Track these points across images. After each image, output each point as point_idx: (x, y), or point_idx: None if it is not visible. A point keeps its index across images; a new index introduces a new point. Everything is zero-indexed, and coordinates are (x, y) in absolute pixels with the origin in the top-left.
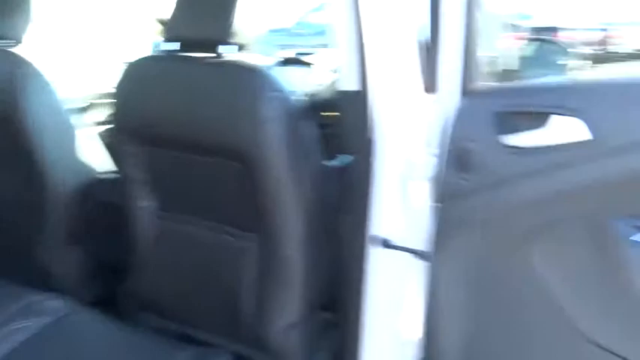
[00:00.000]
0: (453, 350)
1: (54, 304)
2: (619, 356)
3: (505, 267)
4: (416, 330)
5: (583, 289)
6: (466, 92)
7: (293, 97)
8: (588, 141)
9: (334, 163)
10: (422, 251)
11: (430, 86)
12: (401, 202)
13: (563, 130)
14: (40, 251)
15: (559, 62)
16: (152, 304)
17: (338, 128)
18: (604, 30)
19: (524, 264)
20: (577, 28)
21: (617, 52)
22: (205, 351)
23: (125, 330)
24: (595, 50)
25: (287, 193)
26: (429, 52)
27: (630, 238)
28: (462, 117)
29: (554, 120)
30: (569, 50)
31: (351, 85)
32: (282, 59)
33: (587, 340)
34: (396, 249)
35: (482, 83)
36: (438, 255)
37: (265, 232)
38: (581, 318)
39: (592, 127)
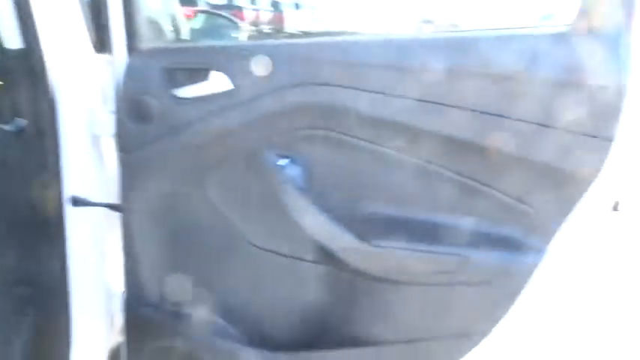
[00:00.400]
0: (152, 286)
1: None
2: (273, 252)
3: (187, 202)
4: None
5: (249, 207)
6: (135, 51)
7: None
8: (231, 90)
9: (8, 127)
10: (117, 204)
11: (100, 45)
12: (90, 159)
13: (218, 82)
14: None
15: (229, 35)
16: None
17: (9, 89)
18: (275, 11)
19: (203, 197)
20: (258, 8)
21: (280, 31)
22: None
23: None
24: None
25: None
26: (94, 12)
27: (277, 163)
28: (134, 73)
29: (213, 74)
30: (239, 26)
31: (15, 42)
32: None
33: (255, 246)
34: (93, 205)
35: (151, 43)
36: (127, 203)
37: None
38: (249, 230)
39: (232, 79)
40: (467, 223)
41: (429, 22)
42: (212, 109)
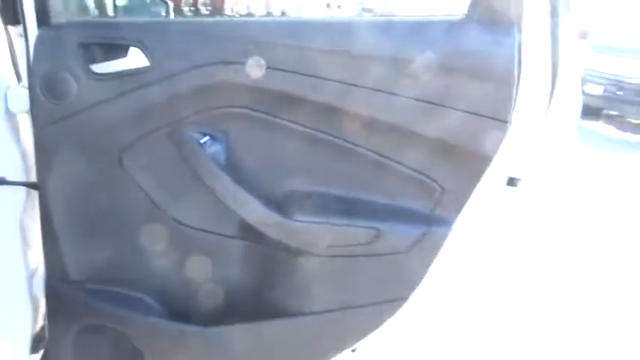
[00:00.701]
0: (73, 265)
1: None
2: (195, 228)
3: (106, 180)
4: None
5: (170, 183)
6: (47, 25)
7: None
8: (148, 67)
9: None
10: (34, 182)
11: (9, 17)
12: (5, 136)
13: (137, 58)
14: None
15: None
16: None
17: None
18: None
19: (122, 174)
20: None
21: (217, 12)
22: None
23: None
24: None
25: None
26: None
27: (197, 140)
28: (47, 47)
29: (133, 50)
30: (168, 4)
31: None
32: None
33: (176, 222)
34: (9, 184)
35: (64, 17)
36: (43, 181)
37: None
38: (170, 206)
39: (149, 56)
40: (380, 198)
41: (368, 10)
42: (130, 85)
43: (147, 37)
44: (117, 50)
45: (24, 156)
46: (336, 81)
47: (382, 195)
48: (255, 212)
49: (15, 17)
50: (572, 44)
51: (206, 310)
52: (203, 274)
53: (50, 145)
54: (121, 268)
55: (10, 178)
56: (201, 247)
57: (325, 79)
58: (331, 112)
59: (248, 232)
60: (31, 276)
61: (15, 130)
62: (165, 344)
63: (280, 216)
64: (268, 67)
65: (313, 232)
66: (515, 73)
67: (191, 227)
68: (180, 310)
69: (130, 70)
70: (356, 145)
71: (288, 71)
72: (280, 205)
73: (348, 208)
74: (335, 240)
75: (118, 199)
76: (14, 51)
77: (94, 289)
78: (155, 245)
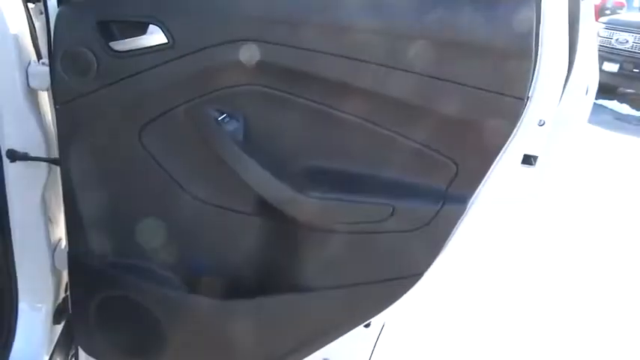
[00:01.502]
0: (95, 239)
1: None
2: (213, 204)
3: (124, 157)
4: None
5: (189, 160)
6: (67, 2)
7: None
8: (165, 44)
9: None
10: (55, 158)
11: None
12: (27, 112)
13: (155, 34)
14: None
15: None
16: None
17: None
18: None
19: (141, 150)
20: None
21: None
22: None
23: None
24: None
25: None
26: None
27: (216, 118)
28: (66, 24)
29: (151, 27)
30: None
31: None
32: None
33: (195, 198)
34: (31, 159)
35: None
36: (65, 157)
37: None
38: (189, 183)
39: (165, 32)
40: (395, 176)
41: None
42: (149, 62)
43: (164, 14)
44: (136, 27)
45: (45, 132)
46: (351, 58)
47: (397, 172)
48: (272, 189)
49: None
50: (591, 19)
51: (223, 284)
52: (220, 250)
53: (70, 122)
54: (140, 241)
55: (32, 154)
56: (218, 224)
57: (341, 56)
58: (346, 89)
59: (264, 208)
60: (53, 250)
61: (36, 106)
62: (184, 316)
63: (296, 192)
64: (284, 45)
65: (328, 209)
66: (533, 48)
67: (209, 204)
68: (200, 284)
69: (149, 47)
70: (371, 122)
71: (303, 49)
72: (296, 181)
73: (363, 185)
74: (349, 216)
75: (137, 176)
76: (34, 28)
77: (115, 262)
78: (173, 221)
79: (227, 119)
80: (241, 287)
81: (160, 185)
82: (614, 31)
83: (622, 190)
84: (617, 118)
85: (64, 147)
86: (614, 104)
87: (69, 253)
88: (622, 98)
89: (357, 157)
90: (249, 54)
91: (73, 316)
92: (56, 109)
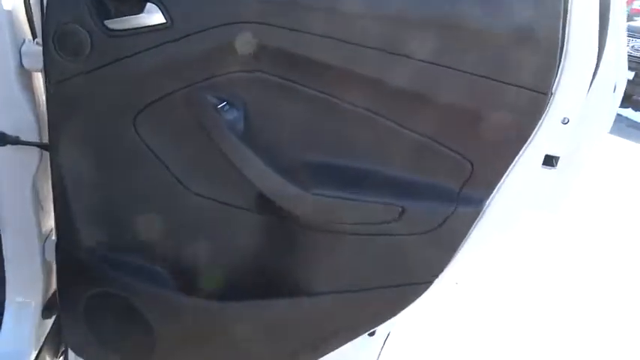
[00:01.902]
0: (84, 230)
1: None
2: (209, 198)
3: (118, 142)
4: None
5: (184, 150)
6: None
7: None
8: (163, 24)
9: None
10: (46, 143)
11: None
12: (19, 94)
13: (152, 14)
14: None
15: None
16: None
17: None
18: None
19: (135, 138)
20: None
21: None
22: None
23: None
24: None
25: None
26: None
27: (214, 105)
28: (60, 1)
29: (149, 5)
30: None
31: None
32: None
33: (189, 191)
34: (22, 144)
35: None
36: (55, 141)
37: None
38: (183, 174)
39: (164, 12)
40: (405, 174)
41: None
42: (145, 43)
43: None
44: (133, 5)
45: (38, 116)
46: (358, 44)
47: (407, 170)
48: (272, 184)
49: None
50: (622, 10)
51: (219, 284)
52: (216, 248)
53: (62, 104)
54: (133, 236)
55: (24, 139)
56: (214, 219)
57: (349, 42)
58: (352, 77)
59: (264, 204)
60: (44, 240)
61: (29, 88)
62: (176, 317)
63: (297, 188)
64: (287, 28)
65: (332, 207)
66: (559, 39)
67: (204, 197)
68: (193, 284)
69: (146, 27)
70: (381, 115)
71: (309, 33)
72: (298, 177)
73: (371, 183)
74: (355, 216)
75: (130, 164)
76: (29, 5)
77: (105, 256)
78: (167, 214)
79: (226, 107)
80: (239, 289)
81: (155, 176)
82: (631, 38)
83: (632, 198)
84: (630, 126)
85: (54, 131)
86: (628, 112)
87: (57, 244)
88: (637, 106)
89: (364, 153)
90: (250, 37)
91: (61, 312)
92: (47, 90)
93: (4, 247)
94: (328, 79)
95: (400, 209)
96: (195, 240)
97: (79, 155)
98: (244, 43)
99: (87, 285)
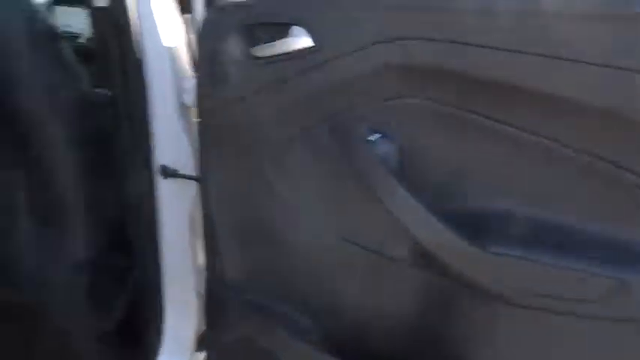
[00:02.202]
0: (233, 270)
1: None
2: (358, 245)
3: (264, 178)
4: None
5: (331, 188)
6: (212, 8)
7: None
8: (312, 48)
9: (103, 91)
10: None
11: (184, 6)
12: (179, 128)
13: (299, 39)
14: None
15: None
16: None
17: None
18: None
19: (280, 173)
20: None
21: None
22: None
23: None
24: None
25: (42, 120)
26: None
27: (366, 138)
28: (209, 31)
29: (293, 30)
30: None
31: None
32: None
33: (337, 237)
34: (182, 177)
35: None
36: (204, 176)
37: (30, 169)
38: (329, 217)
39: (312, 35)
40: (624, 233)
41: None
42: (291, 69)
43: (312, 14)
44: (278, 30)
45: (195, 149)
46: (566, 58)
47: (628, 228)
48: (435, 234)
49: (188, 5)
50: None
51: (365, 346)
52: (365, 304)
53: (210, 135)
54: (278, 280)
55: (182, 172)
56: (365, 270)
57: (546, 56)
58: (547, 102)
59: (425, 258)
60: (199, 272)
61: (189, 124)
62: None
63: (470, 243)
64: (459, 43)
65: (515, 271)
66: None
67: (352, 242)
68: (338, 342)
69: (292, 52)
70: (585, 152)
71: (490, 48)
72: (469, 228)
73: (570, 243)
74: (546, 286)
75: (273, 200)
76: (191, 43)
77: (252, 301)
78: (312, 260)
79: (379, 139)
80: (383, 352)
81: (298, 215)
82: None
83: None
84: None
85: (203, 163)
86: None
87: (206, 278)
88: None
89: (562, 202)
90: (410, 57)
91: (206, 348)
92: (198, 122)
93: (163, 276)
94: (511, 106)
95: (616, 282)
96: (340, 292)
97: (225, 188)
98: (401, 64)
99: (230, 326)
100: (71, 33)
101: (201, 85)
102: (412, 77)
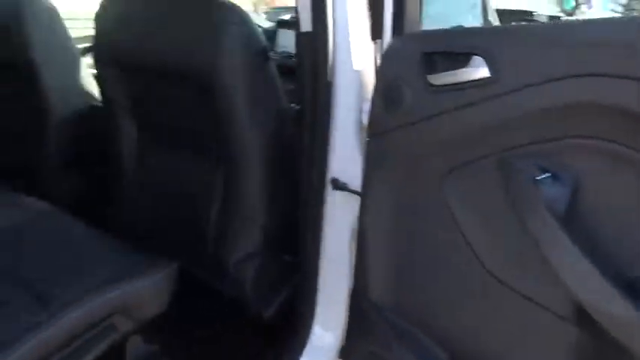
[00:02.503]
0: (377, 285)
1: (40, 205)
2: (511, 288)
3: (422, 203)
4: None
5: (491, 224)
6: (400, 35)
7: (258, 37)
8: (489, 79)
9: (293, 107)
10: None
11: (376, 33)
12: (354, 146)
13: (474, 69)
14: (38, 172)
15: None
16: (129, 226)
17: (297, 70)
18: None
19: (440, 201)
20: None
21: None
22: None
23: (102, 236)
24: None
25: (245, 125)
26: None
27: (533, 177)
28: (392, 57)
29: (472, 60)
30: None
31: (306, 26)
32: (279, 20)
33: (490, 274)
34: (350, 191)
35: (417, 27)
36: (365, 191)
37: (228, 165)
38: (485, 253)
39: (491, 65)
40: None
41: None
42: (465, 99)
43: (494, 44)
44: (458, 60)
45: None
46: None
47: None
48: (599, 295)
49: (378, 32)
50: None
51: None
52: (510, 350)
53: (376, 155)
54: (421, 308)
55: (350, 187)
56: (512, 314)
57: None
58: None
59: (583, 317)
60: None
61: (362, 143)
62: None
63: (636, 310)
64: None
65: None
66: None
67: (505, 285)
68: None
69: (468, 82)
70: None
71: None
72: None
73: None
74: None
75: (430, 227)
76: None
77: (389, 317)
78: (460, 291)
79: (549, 181)
80: None
81: (453, 245)
82: None
83: None
84: None
85: (366, 180)
86: None
87: (351, 289)
88: None
89: None
90: (597, 95)
91: (342, 355)
92: (367, 142)
93: (319, 281)
94: None
95: None
96: (485, 328)
97: (382, 207)
98: (589, 102)
99: (367, 339)
100: (288, 53)
101: (375, 107)
102: (603, 117)
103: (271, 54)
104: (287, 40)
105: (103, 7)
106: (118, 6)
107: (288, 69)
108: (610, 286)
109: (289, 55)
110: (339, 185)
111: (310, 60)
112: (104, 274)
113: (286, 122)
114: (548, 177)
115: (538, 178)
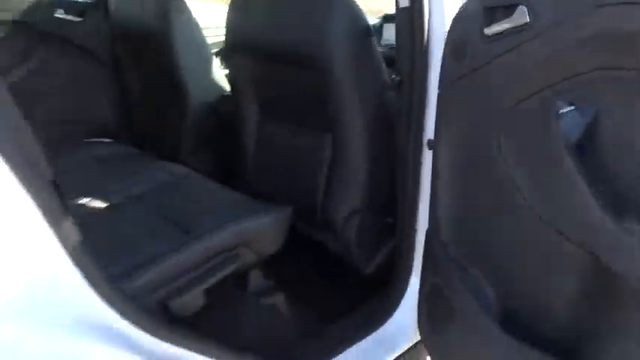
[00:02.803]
0: (444, 227)
1: (181, 170)
2: (557, 231)
3: (481, 149)
4: None
5: (536, 166)
6: None
7: (362, 16)
8: (527, 24)
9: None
10: None
11: None
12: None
13: (520, 17)
14: (175, 154)
15: None
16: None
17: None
18: None
19: (495, 146)
20: None
21: None
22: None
23: (231, 191)
24: None
25: (353, 96)
26: None
27: (559, 111)
28: (463, 15)
29: (517, 9)
30: None
31: (404, 2)
32: (385, 15)
33: (537, 217)
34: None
35: None
36: (436, 141)
37: (336, 134)
38: (532, 196)
39: (530, 11)
40: None
41: None
42: (505, 45)
43: None
44: (508, 11)
45: None
46: None
47: None
48: (592, 219)
49: None
50: None
51: (539, 330)
52: (548, 292)
53: (444, 105)
54: (478, 246)
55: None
56: (558, 259)
57: None
58: None
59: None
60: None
61: None
62: (486, 348)
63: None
64: None
65: None
66: None
67: (545, 223)
68: (513, 323)
69: (511, 28)
70: None
71: None
72: None
73: None
74: None
75: (487, 172)
76: None
77: (452, 255)
78: (510, 235)
79: (572, 114)
80: (557, 338)
81: (506, 192)
82: None
83: None
84: None
85: (437, 132)
86: None
87: (427, 231)
88: None
89: None
90: (619, 22)
91: (419, 298)
92: (438, 93)
93: (416, 238)
94: None
95: None
96: (530, 275)
97: (451, 153)
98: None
99: (433, 273)
100: (392, 45)
101: (445, 61)
102: (627, 46)
103: (378, 47)
104: (391, 34)
105: (233, 5)
106: (245, 3)
107: (393, 60)
108: (609, 218)
109: (393, 47)
110: (431, 145)
111: (408, 31)
112: (232, 214)
113: (387, 92)
114: (571, 110)
115: (561, 111)
